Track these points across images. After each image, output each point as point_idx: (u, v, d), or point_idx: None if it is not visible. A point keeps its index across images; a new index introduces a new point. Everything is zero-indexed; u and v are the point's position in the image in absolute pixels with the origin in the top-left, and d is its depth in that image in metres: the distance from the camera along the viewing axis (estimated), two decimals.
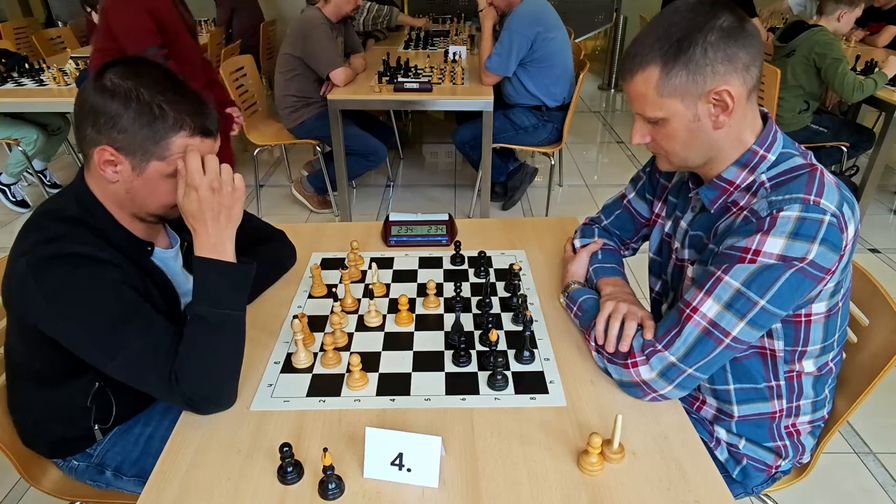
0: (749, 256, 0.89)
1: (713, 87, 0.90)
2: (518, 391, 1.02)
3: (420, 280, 1.36)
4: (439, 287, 1.31)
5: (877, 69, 2.98)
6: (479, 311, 1.23)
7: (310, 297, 1.30)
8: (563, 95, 3.17)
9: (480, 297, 1.26)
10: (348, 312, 1.24)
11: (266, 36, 4.87)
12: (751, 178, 0.97)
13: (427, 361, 1.10)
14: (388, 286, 1.34)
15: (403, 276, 1.38)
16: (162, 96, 0.95)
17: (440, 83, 3.08)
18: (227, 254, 1.01)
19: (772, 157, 0.96)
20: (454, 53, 3.56)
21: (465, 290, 1.32)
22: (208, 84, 2.69)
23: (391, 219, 1.57)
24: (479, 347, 1.13)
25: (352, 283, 1.33)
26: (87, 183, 1.02)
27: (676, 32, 0.90)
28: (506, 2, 3.05)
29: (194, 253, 1.00)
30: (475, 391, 1.03)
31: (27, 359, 1.08)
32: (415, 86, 2.92)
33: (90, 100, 0.95)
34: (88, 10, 3.33)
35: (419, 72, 3.31)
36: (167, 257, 1.15)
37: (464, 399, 1.01)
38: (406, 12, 5.89)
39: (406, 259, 1.46)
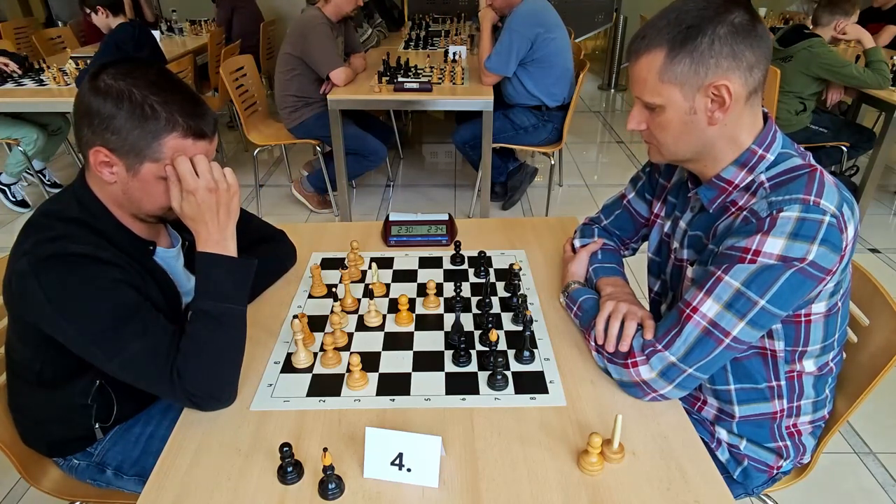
0: (749, 257, 0.89)
1: (713, 80, 0.90)
2: (518, 391, 1.02)
3: (420, 280, 1.36)
4: (439, 287, 1.31)
5: (869, 58, 3.00)
6: (479, 311, 1.23)
7: (310, 297, 1.30)
8: (563, 95, 3.17)
9: (480, 297, 1.26)
10: (348, 312, 1.24)
11: (266, 36, 4.87)
12: (749, 178, 0.97)
13: (427, 361, 1.10)
14: (388, 286, 1.34)
15: (403, 276, 1.38)
16: (155, 97, 0.94)
17: (440, 83, 3.08)
18: (230, 249, 1.02)
19: (771, 157, 0.96)
20: (454, 53, 3.56)
21: (465, 290, 1.32)
22: None
23: (391, 219, 1.57)
24: (479, 347, 1.13)
25: (352, 283, 1.33)
26: (88, 183, 1.02)
27: (687, 20, 0.90)
28: (505, 2, 3.05)
29: (197, 249, 1.00)
30: (475, 391, 1.03)
31: (28, 359, 1.08)
32: (415, 86, 2.92)
33: (86, 101, 0.94)
34: (87, 10, 3.33)
35: (419, 72, 3.31)
36: (169, 257, 1.15)
37: (464, 399, 1.01)
38: (406, 12, 5.91)
39: (406, 259, 1.46)
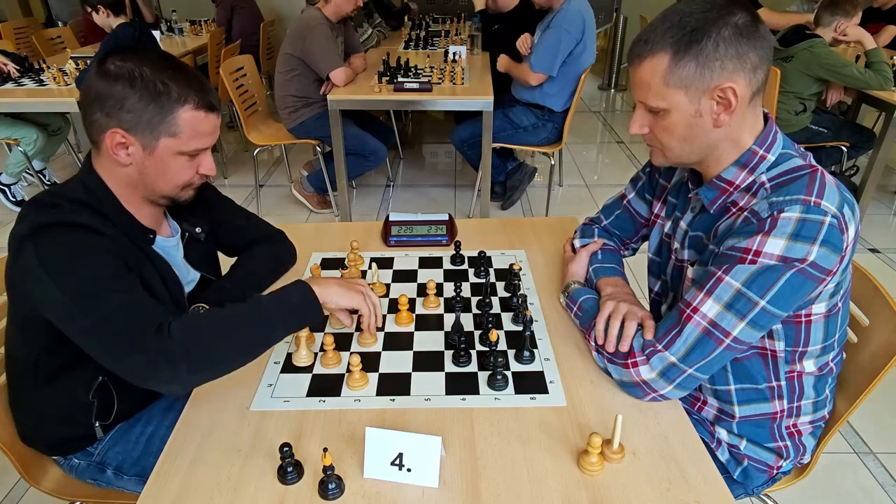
0: (749, 257, 0.89)
1: (719, 83, 0.90)
2: (518, 391, 1.02)
3: (420, 280, 1.36)
4: (439, 287, 1.31)
5: (870, 59, 2.99)
6: (479, 311, 1.23)
7: None
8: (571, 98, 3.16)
9: (480, 297, 1.26)
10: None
11: (266, 36, 4.87)
12: (750, 179, 0.97)
13: (427, 361, 1.10)
14: (388, 286, 1.34)
15: (403, 276, 1.38)
16: (164, 73, 0.97)
17: (440, 83, 3.08)
18: (315, 298, 1.01)
19: (771, 158, 0.96)
20: (454, 53, 3.55)
21: (465, 290, 1.32)
22: None
23: (391, 219, 1.57)
24: (479, 347, 1.13)
25: None
26: (96, 169, 1.04)
27: (691, 23, 0.90)
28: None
29: (305, 279, 1.02)
30: (475, 391, 1.03)
31: (26, 350, 1.08)
32: (415, 86, 2.92)
33: (96, 87, 0.96)
34: (88, 9, 3.33)
35: (419, 72, 3.31)
36: (169, 246, 1.16)
37: (464, 399, 1.01)
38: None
39: (406, 259, 1.46)
